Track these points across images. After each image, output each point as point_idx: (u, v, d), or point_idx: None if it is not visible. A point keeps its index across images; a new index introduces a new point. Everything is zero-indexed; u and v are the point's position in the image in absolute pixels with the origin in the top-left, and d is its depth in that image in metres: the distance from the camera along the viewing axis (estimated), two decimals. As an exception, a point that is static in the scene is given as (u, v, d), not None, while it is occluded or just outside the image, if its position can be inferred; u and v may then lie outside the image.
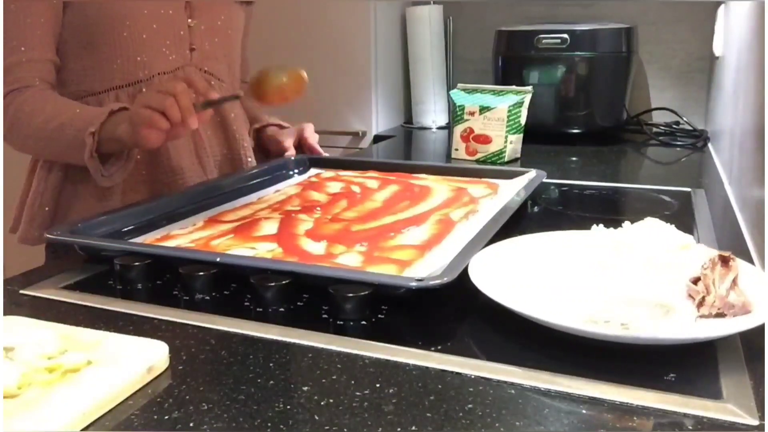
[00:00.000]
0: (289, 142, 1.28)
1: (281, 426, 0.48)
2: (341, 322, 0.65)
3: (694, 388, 0.53)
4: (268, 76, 0.96)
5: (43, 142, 1.01)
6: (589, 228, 0.73)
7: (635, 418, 0.50)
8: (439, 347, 0.60)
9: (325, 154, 1.33)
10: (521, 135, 1.46)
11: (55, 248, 1.07)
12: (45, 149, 1.04)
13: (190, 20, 1.10)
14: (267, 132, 1.32)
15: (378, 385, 0.54)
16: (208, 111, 0.95)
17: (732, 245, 0.88)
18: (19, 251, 1.08)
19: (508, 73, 1.77)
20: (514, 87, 1.46)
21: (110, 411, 0.50)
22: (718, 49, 1.65)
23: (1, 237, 0.99)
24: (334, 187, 1.11)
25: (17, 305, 0.70)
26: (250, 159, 1.24)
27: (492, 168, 1.27)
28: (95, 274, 0.79)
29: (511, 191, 1.03)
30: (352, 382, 0.55)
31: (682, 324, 0.60)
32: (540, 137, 1.60)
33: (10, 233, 1.13)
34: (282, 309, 0.68)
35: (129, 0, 1.04)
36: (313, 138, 1.31)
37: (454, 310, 0.69)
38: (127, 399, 0.52)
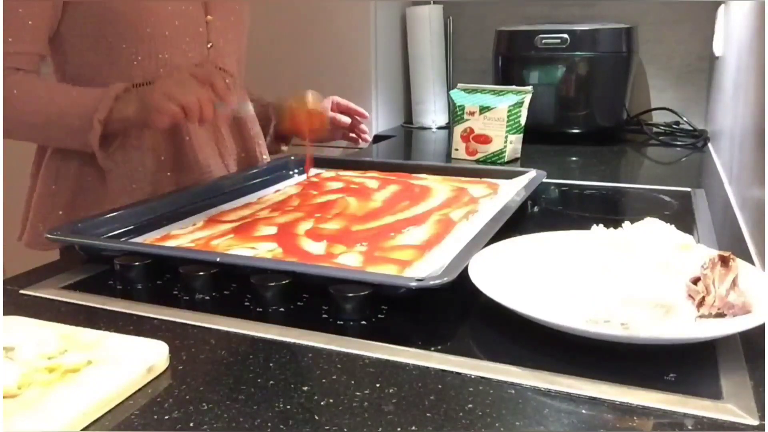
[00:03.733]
0: (326, 105, 1.31)
1: (281, 426, 0.48)
2: (341, 322, 0.65)
3: (694, 388, 0.53)
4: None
5: (39, 129, 1.00)
6: (589, 228, 0.73)
7: (635, 418, 0.50)
8: (439, 347, 0.60)
9: (363, 113, 1.36)
10: (521, 135, 1.46)
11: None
12: (41, 135, 1.03)
13: (207, 16, 1.11)
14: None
15: (378, 385, 0.54)
16: (226, 112, 0.99)
17: (732, 245, 0.88)
18: (20, 251, 1.08)
19: (508, 73, 1.77)
20: (514, 87, 1.46)
21: (110, 411, 0.50)
22: (718, 49, 1.65)
23: (1, 237, 0.99)
24: (334, 187, 1.11)
25: (17, 305, 0.70)
26: (265, 156, 1.25)
27: (492, 168, 1.27)
28: (95, 274, 0.79)
29: (511, 191, 1.03)
30: (352, 382, 0.55)
31: (682, 324, 0.60)
32: (540, 137, 1.60)
33: (17, 240, 1.11)
34: (282, 309, 0.68)
35: None
36: (344, 101, 1.34)
37: (454, 310, 0.69)
38: (127, 399, 0.52)
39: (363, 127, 1.36)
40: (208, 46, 1.12)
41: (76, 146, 1.00)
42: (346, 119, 1.32)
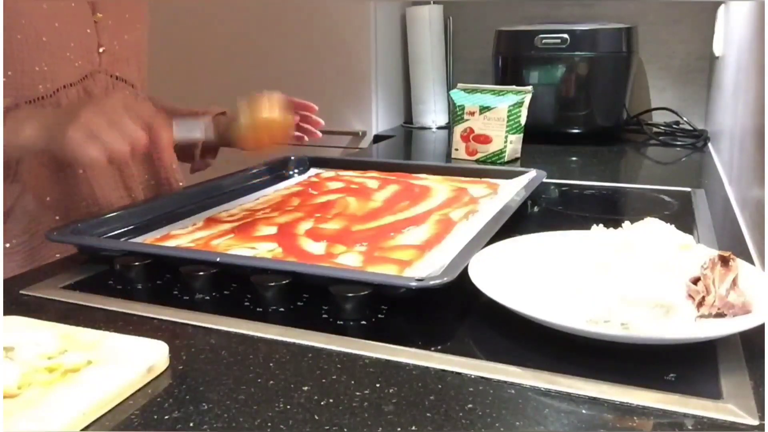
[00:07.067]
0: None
1: (281, 426, 0.48)
2: (341, 322, 0.65)
3: (694, 388, 0.53)
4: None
5: None
6: (589, 228, 0.73)
7: (635, 418, 0.50)
8: (439, 347, 0.60)
9: (313, 105, 1.18)
10: (521, 135, 1.46)
11: None
12: None
13: (96, 14, 0.93)
14: (222, 120, 1.12)
15: (378, 385, 0.54)
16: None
17: (732, 245, 0.88)
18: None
19: (508, 73, 1.77)
20: (514, 87, 1.46)
21: (110, 411, 0.50)
22: (718, 49, 1.65)
23: (1, 238, 0.98)
24: (334, 187, 1.11)
25: (17, 305, 0.70)
26: (181, 183, 1.12)
27: (492, 168, 1.27)
28: (95, 274, 0.79)
29: (511, 191, 1.03)
30: (352, 382, 0.55)
31: (682, 324, 0.60)
32: (540, 137, 1.60)
33: None
34: (282, 309, 0.68)
35: None
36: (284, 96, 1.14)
37: (454, 310, 0.69)
38: (127, 399, 0.52)
39: (315, 118, 1.15)
40: (100, 51, 0.94)
41: None
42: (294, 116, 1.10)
